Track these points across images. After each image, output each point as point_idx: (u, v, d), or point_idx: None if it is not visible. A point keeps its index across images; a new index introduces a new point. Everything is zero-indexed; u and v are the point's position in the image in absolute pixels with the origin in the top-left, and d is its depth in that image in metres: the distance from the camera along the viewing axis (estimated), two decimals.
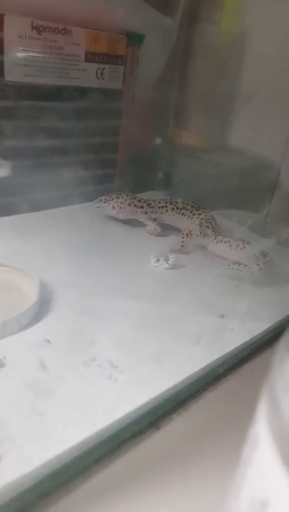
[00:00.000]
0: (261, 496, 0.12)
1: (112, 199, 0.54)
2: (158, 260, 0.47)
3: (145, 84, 0.65)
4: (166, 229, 0.55)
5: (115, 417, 0.27)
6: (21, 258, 0.41)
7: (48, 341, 0.33)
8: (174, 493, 0.24)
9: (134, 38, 0.60)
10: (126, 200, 0.54)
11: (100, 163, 0.64)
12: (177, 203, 0.53)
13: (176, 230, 0.54)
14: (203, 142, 0.68)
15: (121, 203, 0.54)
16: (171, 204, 0.53)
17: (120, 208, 0.54)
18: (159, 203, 0.54)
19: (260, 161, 0.60)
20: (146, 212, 0.53)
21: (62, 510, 0.22)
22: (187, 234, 0.49)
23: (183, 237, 0.50)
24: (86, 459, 0.25)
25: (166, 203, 0.54)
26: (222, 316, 0.39)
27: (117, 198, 0.54)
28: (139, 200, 0.54)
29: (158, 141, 0.70)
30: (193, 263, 0.49)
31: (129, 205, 0.53)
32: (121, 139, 0.66)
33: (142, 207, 0.53)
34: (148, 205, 0.53)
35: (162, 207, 0.54)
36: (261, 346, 0.37)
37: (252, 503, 0.13)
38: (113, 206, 0.54)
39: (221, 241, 0.48)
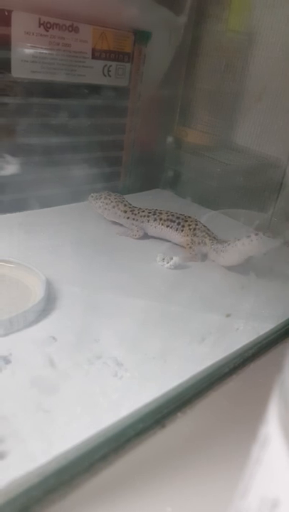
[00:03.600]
0: (271, 496, 0.12)
1: (100, 198, 0.54)
2: (163, 259, 0.47)
3: (151, 82, 0.64)
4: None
5: (120, 415, 0.26)
6: (28, 255, 0.42)
7: (54, 338, 0.33)
8: (179, 492, 0.24)
9: (141, 36, 0.60)
10: (111, 202, 0.54)
11: (106, 161, 0.64)
12: (161, 214, 0.52)
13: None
14: (209, 140, 0.68)
15: (106, 204, 0.54)
16: (154, 215, 0.52)
17: (105, 208, 0.54)
18: (143, 211, 0.53)
19: (266, 160, 0.60)
20: (128, 218, 0.53)
21: (67, 507, 0.22)
22: (191, 241, 0.49)
23: (188, 243, 0.50)
24: (91, 457, 0.25)
25: (149, 212, 0.53)
26: (228, 316, 0.38)
27: (105, 198, 0.54)
28: (125, 205, 0.54)
29: (169, 139, 0.70)
30: (199, 263, 0.49)
31: (113, 207, 0.54)
32: (127, 136, 0.66)
33: (125, 211, 0.53)
34: (131, 211, 0.53)
35: (144, 216, 0.53)
36: (267, 346, 0.37)
37: (262, 503, 0.13)
38: (99, 206, 0.54)
39: (215, 249, 0.48)
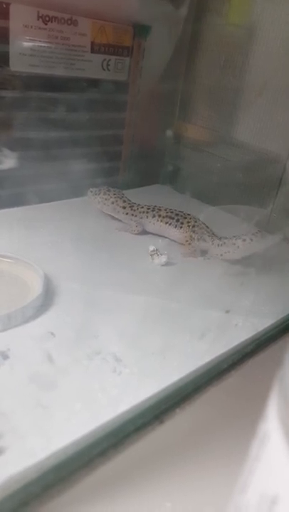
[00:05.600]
0: (271, 493, 0.12)
1: (99, 194, 0.54)
2: (152, 257, 0.47)
3: (151, 77, 0.64)
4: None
5: (119, 411, 0.26)
6: (27, 250, 0.41)
7: (52, 334, 0.33)
8: (178, 487, 0.24)
9: (141, 30, 0.59)
10: (110, 197, 0.54)
11: (105, 156, 0.63)
12: (160, 210, 0.53)
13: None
14: (209, 136, 0.67)
15: (105, 199, 0.54)
16: (153, 211, 0.53)
17: (104, 204, 0.54)
18: (142, 207, 0.53)
19: (266, 156, 0.60)
20: (126, 213, 0.53)
21: (66, 503, 0.22)
22: (190, 238, 0.49)
23: (187, 239, 0.49)
24: (90, 452, 0.25)
25: (148, 208, 0.53)
26: (227, 312, 0.38)
27: (104, 194, 0.54)
28: (123, 201, 0.54)
29: (169, 134, 0.70)
30: (198, 259, 0.49)
31: (112, 203, 0.54)
32: (126, 131, 0.65)
33: (124, 207, 0.53)
34: (130, 206, 0.53)
35: (143, 212, 0.53)
36: (266, 342, 0.37)
37: (261, 499, 0.12)
38: (98, 201, 0.54)
39: (218, 245, 0.48)
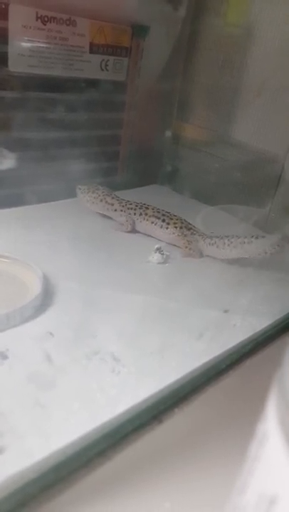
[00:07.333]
0: (269, 493, 0.12)
1: (88, 192, 0.54)
2: (154, 255, 0.46)
3: (149, 77, 0.64)
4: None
5: (118, 411, 0.26)
6: (25, 250, 0.41)
7: (51, 334, 0.33)
8: (176, 487, 0.24)
9: (139, 30, 0.59)
10: (99, 195, 0.54)
11: (103, 156, 0.63)
12: (147, 209, 0.52)
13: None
14: (208, 136, 0.68)
15: (94, 198, 0.54)
16: (140, 209, 0.52)
17: (93, 202, 0.54)
18: (130, 204, 0.53)
19: (264, 156, 0.60)
20: (115, 210, 0.53)
21: (64, 503, 0.22)
22: (188, 242, 0.49)
23: (187, 245, 0.49)
24: (89, 452, 0.25)
25: (136, 206, 0.53)
26: (226, 311, 0.38)
27: (93, 192, 0.54)
28: (112, 198, 0.54)
29: (167, 134, 0.70)
30: (196, 258, 0.49)
31: (101, 201, 0.54)
32: (124, 131, 0.65)
33: (112, 204, 0.53)
34: (119, 203, 0.53)
35: (131, 209, 0.52)
36: (264, 342, 0.37)
37: (259, 499, 0.12)
38: (87, 199, 0.54)
39: (209, 244, 0.48)
